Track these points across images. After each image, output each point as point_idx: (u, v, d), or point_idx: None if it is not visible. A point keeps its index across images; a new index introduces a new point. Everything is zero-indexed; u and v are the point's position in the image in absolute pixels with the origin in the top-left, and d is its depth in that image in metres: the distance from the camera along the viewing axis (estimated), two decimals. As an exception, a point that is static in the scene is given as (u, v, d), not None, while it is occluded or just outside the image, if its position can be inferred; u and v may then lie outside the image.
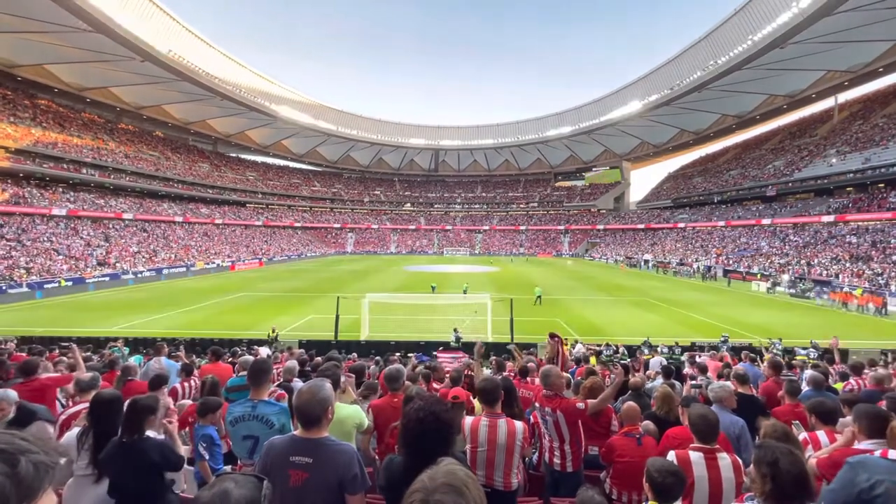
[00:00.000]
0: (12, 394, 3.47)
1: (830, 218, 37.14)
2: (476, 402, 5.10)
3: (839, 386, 5.88)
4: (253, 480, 1.18)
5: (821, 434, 3.11)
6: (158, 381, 4.24)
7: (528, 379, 5.82)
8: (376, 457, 3.59)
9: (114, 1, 36.45)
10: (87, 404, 3.24)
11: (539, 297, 25.17)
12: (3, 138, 35.91)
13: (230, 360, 9.02)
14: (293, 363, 5.87)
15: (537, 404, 3.56)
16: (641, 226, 67.49)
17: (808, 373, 5.62)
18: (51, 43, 37.68)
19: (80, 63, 42.01)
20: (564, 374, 4.42)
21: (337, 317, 16.20)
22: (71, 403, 4.20)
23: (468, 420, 2.93)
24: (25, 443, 0.71)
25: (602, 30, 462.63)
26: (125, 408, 2.75)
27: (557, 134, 77.14)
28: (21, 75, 42.11)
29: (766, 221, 44.22)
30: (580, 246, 73.09)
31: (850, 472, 1.90)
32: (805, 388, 4.86)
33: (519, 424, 2.91)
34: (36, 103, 44.90)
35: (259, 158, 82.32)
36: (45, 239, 33.23)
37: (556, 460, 3.51)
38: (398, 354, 11.72)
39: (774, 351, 11.72)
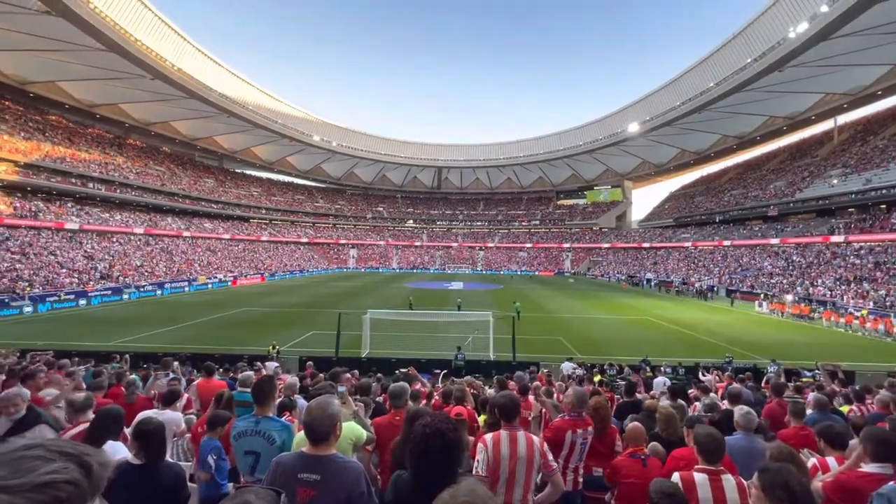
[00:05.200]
0: (26, 392, 3.51)
1: (832, 238, 37.19)
2: (480, 420, 5.08)
3: (845, 409, 5.81)
4: (272, 494, 1.22)
5: (830, 460, 3.04)
6: (172, 396, 4.24)
7: (529, 397, 5.77)
8: (378, 475, 3.58)
9: (128, 21, 37.58)
10: (86, 425, 3.25)
11: (518, 312, 24.38)
12: (12, 152, 36.54)
13: (232, 375, 9.01)
14: (294, 380, 5.87)
15: (570, 430, 3.51)
16: (643, 244, 67.56)
17: (813, 395, 5.57)
18: (64, 61, 38.58)
19: (92, 80, 42.92)
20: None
21: (338, 333, 16.14)
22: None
23: (489, 435, 2.91)
24: (83, 447, 0.79)
25: (606, 50, 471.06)
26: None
27: (559, 153, 77.95)
28: (33, 91, 42.99)
29: (768, 241, 44.24)
30: (582, 264, 73.04)
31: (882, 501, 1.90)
32: (809, 410, 4.82)
33: (535, 437, 2.91)
34: (47, 119, 45.81)
35: (264, 174, 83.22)
36: (49, 252, 33.44)
37: (579, 479, 3.64)
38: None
39: (769, 373, 11.60)
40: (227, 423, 3.61)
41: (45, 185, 38.93)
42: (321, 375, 7.92)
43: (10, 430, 3.25)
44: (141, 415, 3.79)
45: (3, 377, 5.71)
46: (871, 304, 26.08)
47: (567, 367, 12.23)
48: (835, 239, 37.08)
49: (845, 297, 28.13)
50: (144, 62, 39.53)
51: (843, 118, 51.09)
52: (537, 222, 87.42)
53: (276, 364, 11.38)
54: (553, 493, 2.88)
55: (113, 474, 2.50)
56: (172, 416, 3.89)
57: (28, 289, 27.18)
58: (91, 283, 31.80)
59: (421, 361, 14.35)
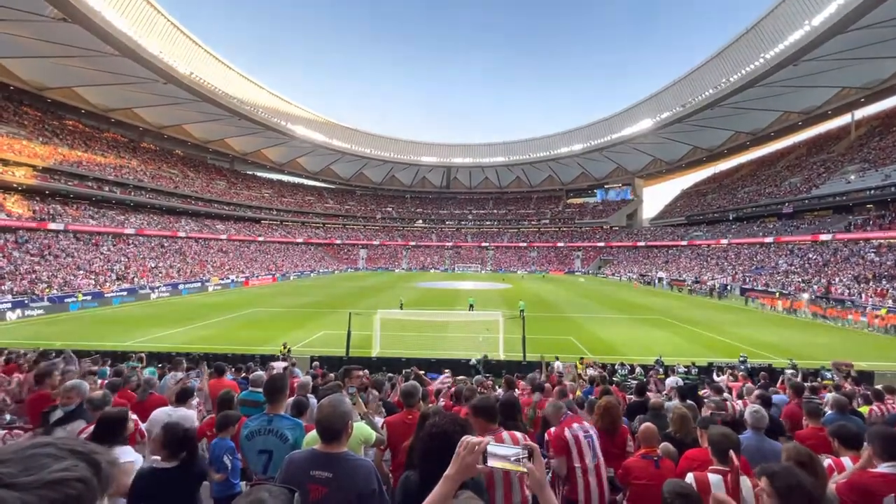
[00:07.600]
0: (85, 386, 3.59)
1: (850, 235, 36.42)
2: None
3: (864, 409, 5.69)
4: (285, 492, 1.24)
5: (845, 460, 3.01)
6: (185, 394, 4.31)
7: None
8: (390, 473, 3.59)
9: (141, 27, 38.22)
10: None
11: (522, 311, 23.26)
12: (31, 157, 37.37)
13: (244, 374, 9.11)
14: (307, 379, 5.91)
15: (565, 428, 3.37)
16: (655, 243, 66.83)
17: (831, 395, 5.46)
18: (79, 67, 39.40)
19: (106, 85, 43.75)
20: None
21: (349, 333, 16.20)
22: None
23: None
24: (92, 445, 0.81)
25: (617, 47, 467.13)
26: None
27: (568, 152, 77.41)
28: (50, 97, 43.96)
29: (783, 239, 43.46)
30: (592, 263, 72.49)
31: None
32: (828, 411, 4.73)
33: (518, 433, 2.87)
34: (63, 124, 46.77)
35: (274, 176, 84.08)
36: (67, 254, 34.12)
37: (604, 485, 3.29)
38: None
39: (789, 373, 11.39)
40: (236, 422, 3.66)
41: (63, 189, 39.73)
42: (331, 375, 7.97)
43: (59, 420, 3.39)
44: (155, 413, 3.84)
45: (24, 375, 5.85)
46: (891, 301, 25.46)
47: (557, 366, 12.11)
48: (833, 237, 36.43)
49: (863, 296, 27.51)
50: (156, 66, 40.14)
51: (861, 112, 50.01)
52: (547, 221, 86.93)
53: (283, 365, 11.42)
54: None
55: (145, 480, 2.56)
56: (185, 414, 3.94)
57: (47, 290, 27.79)
58: (107, 284, 32.39)
59: (431, 361, 14.36)
